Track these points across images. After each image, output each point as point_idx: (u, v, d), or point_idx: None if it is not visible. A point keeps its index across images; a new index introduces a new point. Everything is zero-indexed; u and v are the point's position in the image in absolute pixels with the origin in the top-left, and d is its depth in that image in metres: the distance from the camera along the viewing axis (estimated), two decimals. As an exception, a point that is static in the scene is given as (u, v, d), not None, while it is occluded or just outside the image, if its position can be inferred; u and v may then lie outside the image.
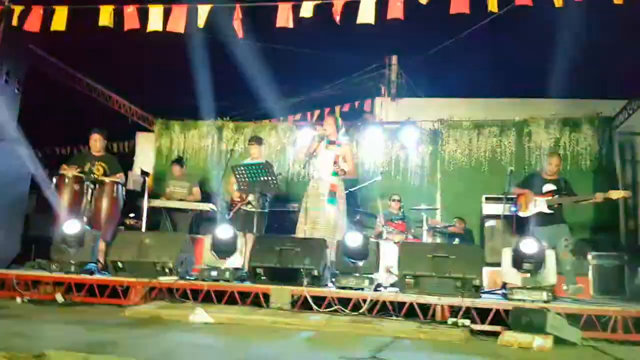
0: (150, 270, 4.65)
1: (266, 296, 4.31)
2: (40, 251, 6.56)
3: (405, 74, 10.50)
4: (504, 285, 4.50)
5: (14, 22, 5.71)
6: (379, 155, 8.64)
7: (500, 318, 3.86)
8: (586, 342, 3.55)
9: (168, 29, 5.61)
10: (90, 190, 5.77)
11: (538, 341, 3.26)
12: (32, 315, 3.87)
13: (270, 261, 4.50)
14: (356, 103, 10.42)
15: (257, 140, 6.72)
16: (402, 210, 7.33)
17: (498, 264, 5.18)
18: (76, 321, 3.70)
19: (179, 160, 7.69)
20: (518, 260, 4.26)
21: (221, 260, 4.84)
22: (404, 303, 4.11)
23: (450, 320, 3.84)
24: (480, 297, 4.16)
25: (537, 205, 5.71)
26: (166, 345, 3.01)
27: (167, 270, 4.66)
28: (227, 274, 4.62)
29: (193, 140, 9.28)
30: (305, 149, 5.61)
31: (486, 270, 5.73)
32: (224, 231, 4.88)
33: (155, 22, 5.59)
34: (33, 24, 5.69)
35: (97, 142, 6.17)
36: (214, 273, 4.64)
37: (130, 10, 5.54)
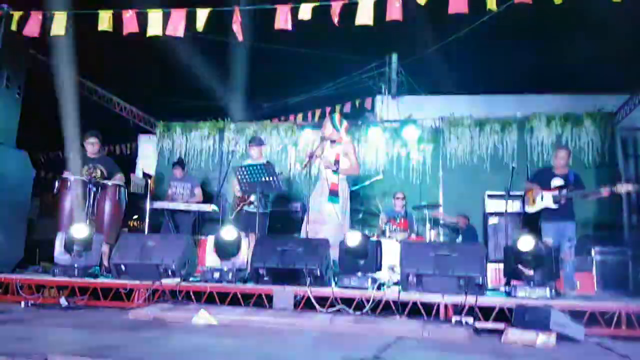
0: (153, 272, 4.66)
1: (269, 297, 4.32)
2: (44, 255, 6.60)
3: (405, 72, 10.49)
4: (507, 283, 4.50)
5: (14, 27, 5.73)
6: (381, 154, 8.64)
7: (504, 316, 3.85)
8: (590, 338, 3.55)
9: (167, 33, 5.62)
10: (92, 194, 5.79)
11: (542, 338, 3.25)
12: (35, 319, 3.88)
13: (273, 262, 4.50)
14: (357, 102, 10.43)
15: (257, 141, 6.73)
16: (405, 208, 7.33)
17: (502, 261, 5.18)
18: (80, 325, 3.71)
19: (180, 162, 7.70)
20: (517, 258, 4.26)
21: (224, 261, 4.84)
22: (407, 302, 4.10)
23: (454, 319, 3.83)
24: (484, 294, 4.15)
25: (544, 200, 5.64)
26: (170, 348, 3.01)
27: (170, 273, 4.67)
28: (230, 275, 4.62)
29: (194, 141, 9.29)
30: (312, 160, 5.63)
31: (489, 268, 5.73)
32: (226, 232, 4.88)
33: (154, 26, 5.60)
34: (33, 29, 5.70)
35: (93, 145, 6.21)
36: (216, 274, 4.64)
37: (129, 15, 5.55)
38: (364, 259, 4.50)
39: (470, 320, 3.78)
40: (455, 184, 8.30)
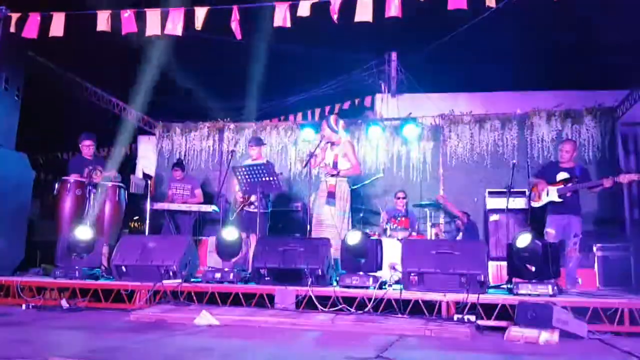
0: (155, 273, 4.65)
1: (270, 297, 4.31)
2: (45, 257, 6.59)
3: (405, 69, 10.47)
4: (509, 280, 4.49)
5: (12, 28, 5.72)
6: (381, 152, 8.63)
7: (506, 313, 3.85)
8: (592, 335, 3.54)
9: (166, 32, 5.61)
10: (92, 195, 5.79)
11: (544, 335, 3.25)
12: (36, 321, 3.87)
13: (274, 262, 4.50)
14: (356, 100, 10.40)
15: (256, 141, 6.72)
16: (406, 206, 7.32)
17: (503, 259, 5.17)
18: (81, 326, 3.70)
19: (179, 164, 7.69)
20: (518, 255, 4.25)
21: (225, 261, 4.83)
22: (409, 300, 4.09)
23: (456, 317, 3.83)
24: (486, 292, 4.14)
25: (549, 194, 5.57)
26: (172, 349, 3.00)
27: (171, 274, 4.66)
28: (231, 276, 4.62)
29: (194, 142, 9.28)
30: (312, 161, 5.67)
31: (491, 265, 5.72)
32: (227, 233, 4.88)
33: (153, 26, 5.58)
34: (31, 30, 5.69)
35: (90, 148, 6.24)
36: (218, 275, 4.64)
37: (127, 15, 5.54)
38: (365, 258, 4.50)
39: (473, 318, 3.77)
40: (456, 181, 8.29)
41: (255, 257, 4.62)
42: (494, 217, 7.23)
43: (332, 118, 5.73)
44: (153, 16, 5.61)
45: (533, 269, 4.15)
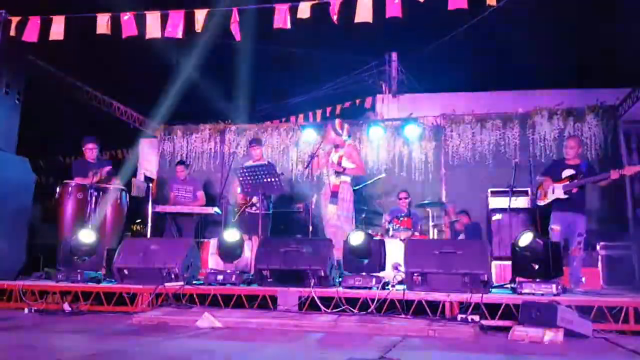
0: (157, 276, 4.64)
1: (273, 298, 4.29)
2: (47, 261, 6.59)
3: (405, 70, 10.46)
4: (512, 280, 4.47)
5: (12, 32, 5.72)
6: (382, 153, 8.61)
7: (510, 313, 3.83)
8: (597, 334, 3.52)
9: (166, 34, 5.61)
10: (94, 198, 5.79)
11: (549, 335, 3.23)
12: (39, 325, 3.86)
13: (276, 263, 4.49)
14: (357, 101, 10.41)
15: (257, 142, 6.73)
16: (408, 207, 7.31)
17: (506, 258, 5.15)
18: (84, 330, 3.69)
19: (183, 162, 7.71)
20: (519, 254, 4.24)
21: (227, 263, 4.82)
22: (412, 301, 4.07)
23: (460, 317, 3.81)
24: (489, 292, 4.12)
25: (555, 192, 5.53)
26: (174, 351, 2.99)
27: (173, 276, 4.65)
28: (234, 278, 4.60)
29: (195, 144, 9.28)
30: (315, 163, 5.82)
31: (494, 265, 5.70)
32: (229, 235, 4.87)
33: (153, 28, 5.58)
34: (31, 34, 5.69)
35: (93, 151, 6.25)
36: (220, 277, 4.63)
37: (127, 18, 5.54)
38: (368, 258, 4.48)
39: (477, 317, 3.75)
40: (458, 181, 8.27)
41: (258, 259, 4.61)
42: (496, 217, 7.21)
43: (337, 122, 5.86)
44: (153, 19, 5.61)
45: (537, 267, 4.13)
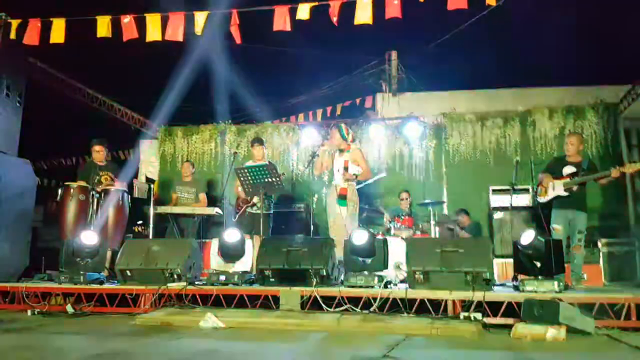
0: (159, 277, 4.65)
1: (275, 298, 4.30)
2: (49, 263, 6.60)
3: (405, 68, 10.46)
4: (515, 277, 4.47)
5: (12, 35, 5.73)
6: (383, 152, 8.61)
7: (513, 310, 3.83)
8: (600, 331, 3.52)
9: (167, 37, 5.61)
10: (96, 200, 5.80)
11: (551, 332, 3.23)
12: (43, 327, 3.87)
13: (278, 263, 4.49)
14: (357, 100, 10.40)
15: (259, 141, 6.73)
16: (410, 206, 7.31)
17: (508, 256, 5.14)
18: (87, 331, 3.71)
19: (190, 160, 7.77)
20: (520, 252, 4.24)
21: (229, 264, 4.83)
22: (414, 299, 4.07)
23: (462, 315, 3.81)
24: (492, 290, 4.12)
25: (555, 189, 5.51)
26: (177, 352, 3.00)
27: (175, 277, 4.66)
28: (236, 278, 4.61)
29: (196, 145, 9.28)
30: (319, 164, 5.84)
31: (496, 263, 5.69)
32: (230, 235, 4.87)
33: (153, 31, 5.59)
34: (32, 37, 5.70)
35: (99, 153, 6.25)
36: (222, 277, 4.64)
37: (127, 21, 5.54)
38: (371, 257, 4.48)
39: (479, 315, 3.75)
40: (459, 179, 8.26)
41: (259, 259, 4.61)
42: (498, 215, 7.21)
43: (343, 127, 5.90)
44: (153, 21, 5.62)
45: (538, 265, 4.13)
